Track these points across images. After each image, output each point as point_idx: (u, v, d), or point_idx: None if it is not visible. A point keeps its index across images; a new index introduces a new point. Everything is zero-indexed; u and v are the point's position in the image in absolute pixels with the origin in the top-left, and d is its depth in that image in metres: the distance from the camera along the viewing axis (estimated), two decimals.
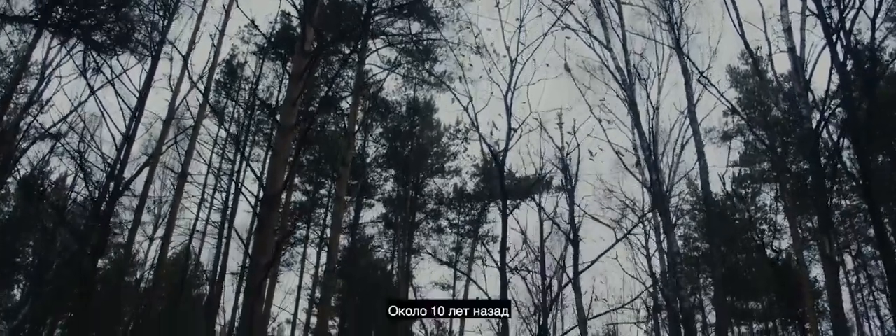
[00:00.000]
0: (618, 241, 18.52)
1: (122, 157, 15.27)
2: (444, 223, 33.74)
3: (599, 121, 19.16)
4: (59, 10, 15.77)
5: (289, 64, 19.68)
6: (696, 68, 16.92)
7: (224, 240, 24.53)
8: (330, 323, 34.90)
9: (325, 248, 28.87)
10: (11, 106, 27.24)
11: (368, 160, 30.84)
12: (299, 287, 34.02)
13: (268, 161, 21.90)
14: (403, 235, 31.80)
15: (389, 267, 33.83)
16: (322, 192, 32.66)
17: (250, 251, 14.07)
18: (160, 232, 29.55)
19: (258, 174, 14.58)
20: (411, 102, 29.28)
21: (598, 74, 21.31)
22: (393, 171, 31.78)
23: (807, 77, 14.42)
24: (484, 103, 17.60)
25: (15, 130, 26.27)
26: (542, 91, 40.97)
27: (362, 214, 34.23)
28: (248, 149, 27.09)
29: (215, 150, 27.65)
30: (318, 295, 33.27)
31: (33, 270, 31.56)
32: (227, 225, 23.97)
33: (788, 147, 29.46)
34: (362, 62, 23.45)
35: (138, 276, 35.98)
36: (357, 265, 33.60)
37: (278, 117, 15.06)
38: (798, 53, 14.81)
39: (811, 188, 13.75)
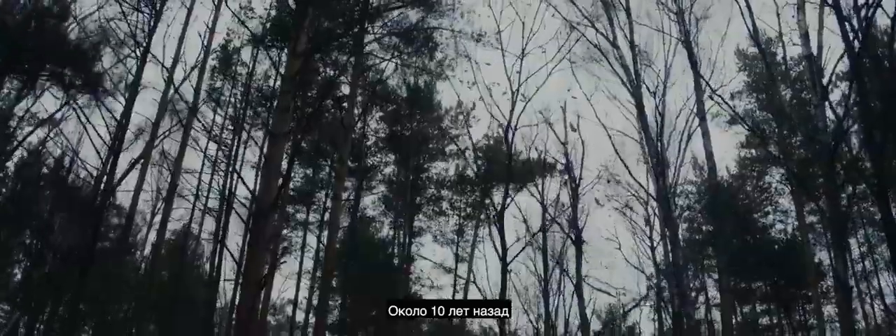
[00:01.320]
0: (628, 310, 18.34)
1: (107, 169, 14.78)
2: (445, 205, 33.38)
3: (607, 132, 18.71)
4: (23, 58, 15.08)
5: (283, 53, 19.02)
6: (709, 85, 16.33)
7: (218, 246, 24.01)
8: (331, 303, 34.88)
9: (325, 229, 28.70)
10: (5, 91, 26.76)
11: (368, 144, 30.27)
12: (299, 272, 33.90)
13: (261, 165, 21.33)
14: (404, 219, 31.49)
15: (390, 249, 33.57)
16: (321, 175, 32.25)
17: (243, 267, 13.69)
18: (158, 217, 29.28)
19: (250, 187, 14.09)
20: (411, 91, 28.63)
21: (604, 64, 20.82)
22: (393, 157, 31.22)
23: (824, 84, 13.74)
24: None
25: (10, 116, 25.82)
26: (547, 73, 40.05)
27: (362, 196, 33.91)
28: (245, 133, 26.47)
29: (212, 135, 27.12)
30: (318, 274, 33.12)
31: (33, 252, 31.35)
32: (219, 245, 23.39)
33: (796, 130, 28.97)
34: (361, 48, 22.75)
35: (138, 256, 35.92)
36: (357, 246, 33.42)
37: (270, 124, 14.57)
38: (814, 55, 14.06)
39: (828, 212, 13.17)
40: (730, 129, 32.90)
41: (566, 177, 27.46)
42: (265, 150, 13.95)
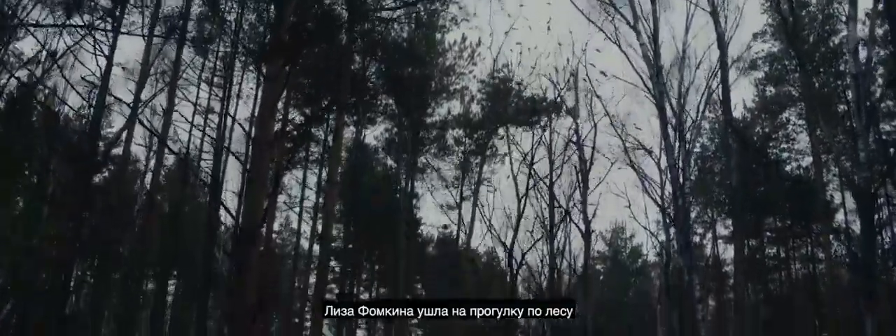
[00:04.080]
0: None
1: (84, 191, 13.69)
2: (450, 141, 32.33)
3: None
4: None
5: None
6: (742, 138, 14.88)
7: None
8: (334, 233, 34.73)
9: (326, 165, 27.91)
10: None
11: (368, 84, 28.72)
12: (301, 202, 33.53)
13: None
14: (407, 156, 30.62)
15: (394, 186, 32.99)
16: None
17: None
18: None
19: (233, 213, 13.03)
20: (412, 36, 26.78)
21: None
22: (392, 100, 29.70)
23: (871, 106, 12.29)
24: None
25: None
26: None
27: (364, 131, 32.99)
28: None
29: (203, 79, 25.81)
30: (321, 202, 32.67)
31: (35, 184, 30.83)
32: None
33: (819, 70, 27.59)
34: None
35: (137, 185, 35.27)
36: (359, 181, 32.96)
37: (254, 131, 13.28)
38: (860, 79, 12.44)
39: (862, 262, 12.15)
40: (750, 74, 31.53)
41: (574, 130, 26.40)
42: (248, 162, 12.75)
